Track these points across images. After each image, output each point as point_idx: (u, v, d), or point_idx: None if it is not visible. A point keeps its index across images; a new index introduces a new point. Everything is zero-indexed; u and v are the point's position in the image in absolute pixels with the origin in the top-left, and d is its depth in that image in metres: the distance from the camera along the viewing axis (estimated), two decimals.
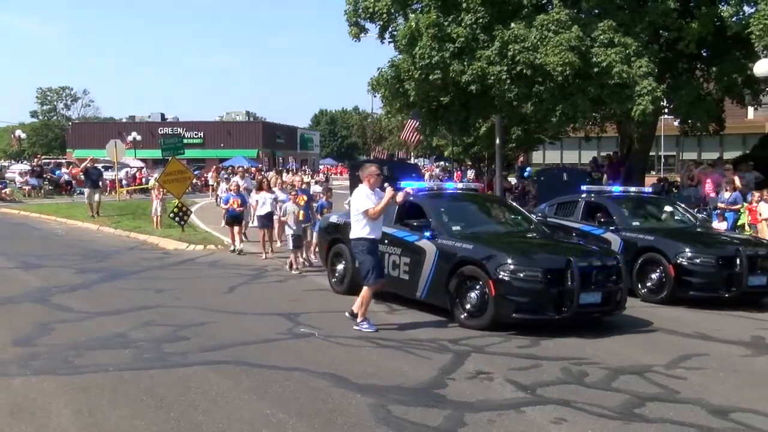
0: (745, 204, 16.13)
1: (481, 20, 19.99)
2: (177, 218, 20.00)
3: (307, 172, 41.68)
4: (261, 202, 15.95)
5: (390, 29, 23.01)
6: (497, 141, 26.52)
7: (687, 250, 11.13)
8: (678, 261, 11.04)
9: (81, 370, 7.23)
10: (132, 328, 9.06)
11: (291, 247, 14.11)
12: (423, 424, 5.83)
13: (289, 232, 14.17)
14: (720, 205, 16.61)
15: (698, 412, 6.15)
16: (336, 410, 6.10)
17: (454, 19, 20.42)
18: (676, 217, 13.24)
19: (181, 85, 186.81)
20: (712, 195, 18.13)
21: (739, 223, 16.58)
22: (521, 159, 37.53)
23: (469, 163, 42.63)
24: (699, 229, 12.90)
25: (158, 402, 6.24)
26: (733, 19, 18.77)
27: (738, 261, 10.81)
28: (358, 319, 8.97)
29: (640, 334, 9.01)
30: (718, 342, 8.82)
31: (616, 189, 14.25)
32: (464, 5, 20.15)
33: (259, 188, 16.95)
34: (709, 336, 9.07)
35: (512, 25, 19.63)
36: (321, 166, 78.79)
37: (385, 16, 22.41)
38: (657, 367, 7.50)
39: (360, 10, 22.65)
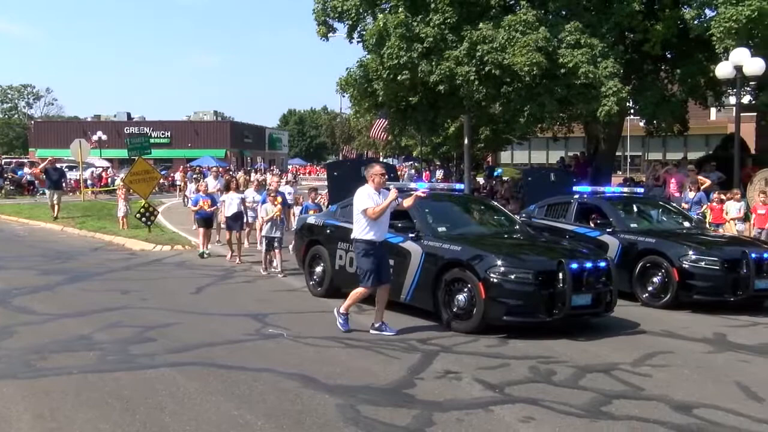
0: (707, 204, 16.39)
1: (449, 20, 20.08)
2: (143, 219, 19.76)
3: (275, 172, 41.43)
4: (228, 203, 15.48)
5: (358, 29, 23.01)
6: (465, 141, 26.65)
7: (691, 252, 10.76)
8: (682, 264, 10.66)
9: (43, 373, 7.10)
10: (97, 330, 8.92)
11: (264, 250, 13.77)
12: (392, 423, 5.82)
13: (272, 233, 13.61)
14: (684, 205, 16.84)
15: (662, 408, 6.22)
16: (305, 411, 6.06)
17: (423, 19, 20.48)
18: (671, 218, 12.99)
19: (148, 85, 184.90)
20: (677, 195, 18.38)
21: None
22: (489, 159, 37.75)
23: (438, 163, 42.79)
24: (698, 231, 12.61)
25: (124, 404, 6.15)
26: (696, 21, 19.10)
27: (745, 264, 10.47)
28: (341, 309, 8.95)
29: (608, 333, 9.07)
30: (683, 340, 8.94)
31: (609, 189, 13.94)
32: (432, 5, 20.22)
33: (227, 188, 16.60)
34: (674, 334, 9.19)
35: (480, 25, 19.74)
36: (290, 166, 78.53)
37: (353, 15, 22.40)
38: (623, 365, 7.57)
39: (328, 10, 22.62)
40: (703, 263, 10.63)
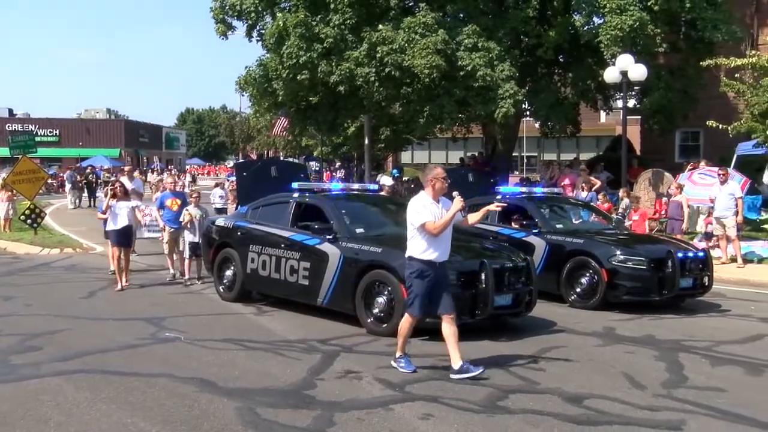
0: (598, 202, 17.09)
1: (349, 21, 20.14)
2: (29, 221, 18.81)
3: (173, 173, 40.34)
4: (116, 213, 12.31)
5: (258, 28, 22.78)
6: (366, 141, 26.80)
7: (619, 252, 10.74)
8: (611, 265, 10.63)
9: None
10: None
11: (187, 256, 12.83)
12: (292, 425, 5.76)
13: (188, 239, 12.74)
14: None
15: (555, 400, 6.42)
16: (202, 416, 5.91)
17: (323, 19, 20.45)
18: (592, 219, 13.01)
19: (33, 80, 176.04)
20: (570, 194, 19.07)
21: None
22: (390, 159, 38.08)
23: (339, 163, 42.81)
24: (620, 231, 12.67)
25: (1, 419, 5.78)
26: (585, 28, 19.91)
27: (670, 263, 10.51)
28: (397, 354, 7.36)
29: (505, 329, 9.27)
30: (576, 334, 9.25)
31: (537, 190, 13.87)
32: (332, 6, 20.22)
33: (113, 195, 12.60)
34: (568, 329, 9.48)
35: (380, 27, 19.89)
36: (188, 166, 76.68)
37: (252, 14, 22.15)
38: (520, 360, 7.76)
39: (227, 8, 22.27)
40: (630, 263, 10.63)
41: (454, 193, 7.31)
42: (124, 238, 12.39)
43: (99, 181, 34.60)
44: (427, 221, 7.04)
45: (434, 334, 8.65)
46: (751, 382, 7.19)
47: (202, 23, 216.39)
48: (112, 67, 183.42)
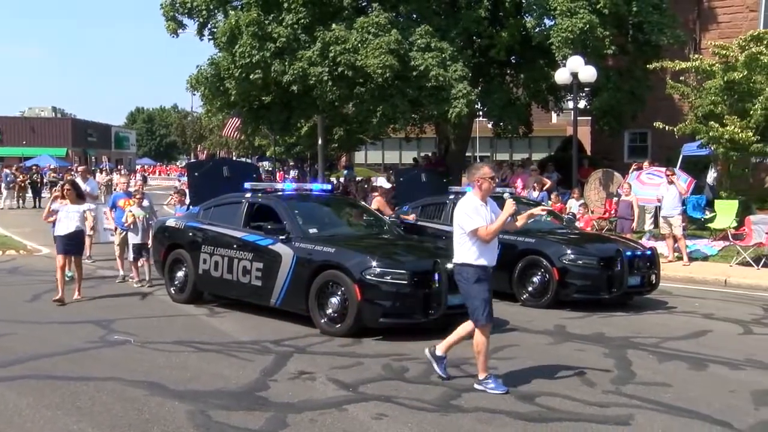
0: (550, 202, 17.34)
1: (302, 20, 20.07)
2: None
3: (123, 172, 39.61)
4: (64, 217, 11.13)
5: (209, 26, 22.54)
6: (319, 141, 26.73)
7: (569, 252, 10.88)
8: (561, 263, 10.77)
9: None
10: None
11: (131, 258, 12.57)
12: (245, 427, 5.70)
13: (132, 240, 12.46)
14: None
15: (508, 398, 6.48)
16: (152, 420, 5.81)
17: (275, 18, 20.34)
18: (543, 218, 12.92)
19: None
20: (522, 194, 19.30)
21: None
22: (344, 159, 38.04)
23: (292, 162, 42.60)
24: (571, 230, 12.80)
25: None
26: (536, 30, 20.17)
27: (618, 262, 10.69)
28: (480, 376, 6.76)
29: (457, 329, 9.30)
30: (528, 333, 9.36)
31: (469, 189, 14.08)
32: (285, 5, 20.12)
33: (61, 197, 11.46)
34: (520, 327, 9.57)
35: (333, 26, 19.87)
36: (138, 166, 75.39)
37: (203, 12, 21.92)
38: (473, 360, 7.75)
39: (177, 5, 21.97)
40: (581, 262, 10.78)
41: (506, 196, 7.14)
42: (73, 245, 11.07)
43: (44, 180, 33.82)
44: (480, 227, 6.64)
45: (387, 334, 8.69)
46: (694, 376, 7.37)
47: (152, 20, 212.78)
48: (58, 65, 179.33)
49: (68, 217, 11.08)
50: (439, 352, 7.03)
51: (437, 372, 7.00)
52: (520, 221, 7.03)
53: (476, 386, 6.74)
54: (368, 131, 27.13)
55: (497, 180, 6.92)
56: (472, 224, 6.65)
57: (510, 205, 6.74)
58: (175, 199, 14.45)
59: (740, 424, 5.92)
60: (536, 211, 7.56)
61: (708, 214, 17.80)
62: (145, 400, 6.26)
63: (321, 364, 7.57)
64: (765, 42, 16.26)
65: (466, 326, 6.92)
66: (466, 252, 6.75)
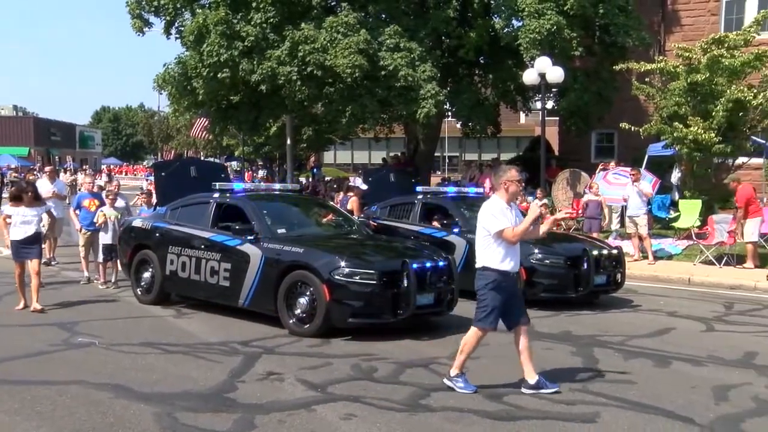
0: (516, 201, 17.49)
1: (271, 20, 19.98)
2: None
3: (88, 172, 39.05)
4: (20, 221, 10.32)
5: (176, 24, 22.32)
6: (288, 141, 26.63)
7: (536, 251, 10.86)
8: (530, 263, 10.68)
9: None
10: None
11: (101, 259, 12.31)
12: (212, 429, 5.66)
13: (102, 240, 12.22)
14: None
15: (476, 397, 6.52)
16: (117, 423, 5.74)
17: (244, 17, 20.21)
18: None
19: None
20: (491, 194, 19.43)
21: None
22: (313, 159, 37.95)
23: (260, 162, 42.40)
24: None
25: None
26: (505, 31, 20.32)
27: (585, 261, 10.76)
28: (451, 372, 6.78)
29: (427, 328, 9.36)
30: (496, 331, 9.37)
31: (451, 189, 13.96)
32: (254, 4, 20.03)
33: (17, 199, 10.53)
34: None
35: (302, 25, 19.81)
36: (103, 166, 74.37)
37: (170, 10, 21.70)
38: (441, 359, 7.83)
39: (144, 3, 21.73)
40: (548, 261, 10.84)
41: (533, 199, 6.78)
42: (28, 250, 10.30)
43: (5, 180, 33.19)
44: (506, 228, 6.52)
45: (356, 334, 8.69)
46: (658, 373, 7.48)
47: (118, 18, 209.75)
48: (19, 63, 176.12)
49: (24, 221, 10.35)
50: (531, 380, 6.68)
51: (549, 391, 6.55)
52: (544, 227, 6.93)
53: (445, 381, 6.72)
54: (337, 131, 27.09)
55: (523, 183, 6.82)
56: (498, 225, 6.55)
57: (535, 208, 6.75)
58: (142, 200, 14.14)
59: (701, 419, 6.03)
60: (560, 216, 7.76)
61: (672, 214, 18.09)
62: (110, 403, 6.18)
63: (289, 364, 7.54)
64: (726, 45, 16.55)
65: (516, 340, 6.76)
66: (489, 255, 6.62)
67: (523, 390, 6.64)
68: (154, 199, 13.77)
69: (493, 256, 6.59)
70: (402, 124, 25.83)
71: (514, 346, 8.43)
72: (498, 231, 6.53)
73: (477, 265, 6.72)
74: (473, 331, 6.72)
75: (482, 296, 6.65)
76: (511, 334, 9.08)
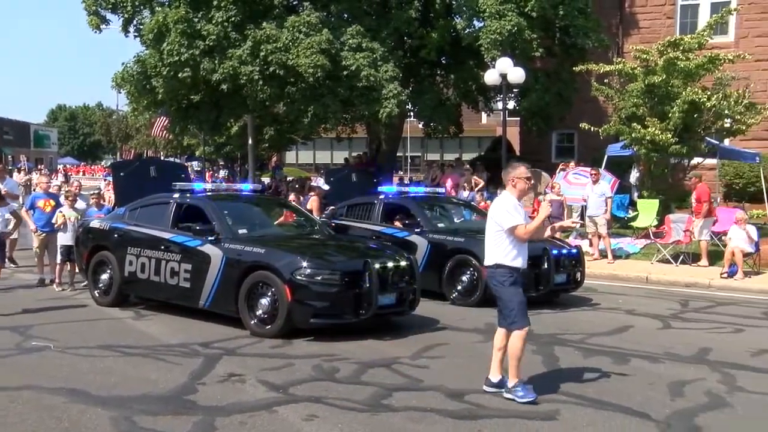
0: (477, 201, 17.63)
1: (232, 18, 19.83)
2: None
3: (43, 172, 38.30)
4: None
5: (135, 22, 22.01)
6: (250, 141, 26.46)
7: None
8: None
9: None
10: None
11: (59, 260, 12.04)
12: None
13: (61, 241, 11.99)
14: None
15: (438, 397, 6.53)
16: (72, 428, 5.62)
17: (205, 15, 20.02)
18: (473, 218, 13.09)
19: None
20: (452, 193, 19.51)
21: None
22: (275, 159, 37.74)
23: (222, 162, 42.04)
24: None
25: None
26: (466, 31, 20.45)
27: (545, 260, 10.78)
28: (511, 383, 6.46)
29: (389, 328, 9.35)
30: (458, 331, 9.45)
31: (413, 189, 13.96)
32: (215, 2, 19.85)
33: None
34: (451, 326, 9.65)
35: (264, 25, 19.70)
36: (59, 166, 72.99)
37: (129, 8, 21.39)
38: (403, 359, 7.84)
39: (101, 0, 21.36)
40: None
41: (542, 199, 6.75)
42: None
43: None
44: (519, 224, 6.43)
45: (318, 334, 8.65)
46: (617, 370, 7.57)
47: (74, 14, 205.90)
48: None
49: None
50: (494, 378, 6.65)
51: (517, 398, 6.39)
52: (549, 231, 7.01)
53: (505, 395, 6.45)
54: (299, 131, 26.99)
55: (532, 181, 6.77)
56: (512, 221, 6.45)
57: (546, 207, 6.75)
58: (93, 200, 13.60)
59: (657, 414, 6.13)
60: (566, 223, 8.10)
61: (631, 213, 18.38)
62: (65, 408, 6.05)
63: (251, 366, 7.48)
64: (681, 48, 16.87)
65: (499, 337, 6.62)
66: (501, 252, 6.53)
67: (485, 387, 6.65)
68: (105, 200, 13.47)
69: (505, 252, 6.53)
70: (364, 124, 25.83)
71: (479, 346, 8.52)
72: (512, 227, 6.44)
73: (488, 263, 6.63)
74: (516, 335, 6.46)
75: (504, 295, 6.52)
76: (478, 334, 9.22)
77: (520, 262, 6.54)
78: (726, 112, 16.70)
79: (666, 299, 12.01)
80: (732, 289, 12.91)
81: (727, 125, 17.26)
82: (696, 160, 18.15)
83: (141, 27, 21.64)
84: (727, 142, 20.17)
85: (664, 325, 10.02)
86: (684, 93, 16.22)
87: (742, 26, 23.43)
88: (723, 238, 14.95)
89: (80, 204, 12.60)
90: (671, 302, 11.68)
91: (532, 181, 6.78)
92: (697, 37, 17.34)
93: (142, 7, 21.76)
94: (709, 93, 16.57)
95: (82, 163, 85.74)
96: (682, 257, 15.03)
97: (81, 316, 10.04)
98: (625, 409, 6.24)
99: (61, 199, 13.25)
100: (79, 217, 12.20)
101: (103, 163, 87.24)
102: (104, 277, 10.73)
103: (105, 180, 26.46)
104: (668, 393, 6.77)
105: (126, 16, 21.70)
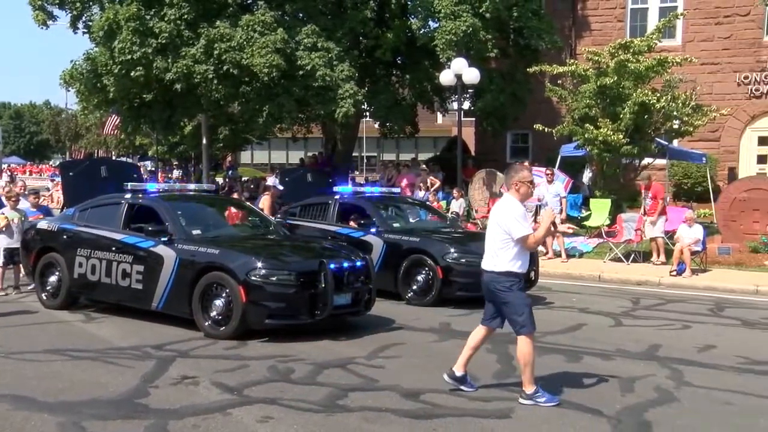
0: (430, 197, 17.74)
1: (186, 16, 19.58)
2: None
3: None
4: None
5: (84, 19, 21.56)
6: (204, 141, 26.14)
7: (453, 250, 10.95)
8: (445, 262, 10.81)
9: None
10: None
11: (1, 264, 11.68)
12: None
13: (3, 244, 11.63)
14: None
15: (393, 396, 6.53)
16: None
17: (157, 13, 19.71)
18: (429, 218, 13.14)
19: None
20: (408, 193, 19.56)
21: None
22: (229, 159, 37.36)
23: (176, 162, 41.47)
24: (455, 229, 13.02)
25: None
26: (421, 31, 20.53)
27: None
28: (528, 390, 6.39)
29: (345, 329, 9.33)
30: (414, 331, 9.47)
31: (369, 189, 13.94)
32: (168, 0, 19.52)
33: None
34: (406, 326, 9.67)
35: (218, 23, 19.49)
36: (4, 165, 71.14)
37: (77, 4, 20.93)
38: (359, 359, 7.82)
39: None
40: (464, 260, 10.78)
41: (546, 205, 6.66)
42: None
43: None
44: (530, 234, 6.35)
45: (273, 335, 8.58)
46: (570, 368, 7.68)
47: (18, 7, 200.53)
48: None
49: None
50: (458, 372, 6.68)
51: (467, 390, 6.61)
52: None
53: (522, 401, 6.36)
54: (254, 131, 26.72)
55: (535, 185, 6.84)
56: (523, 231, 6.34)
57: (550, 213, 6.77)
58: (30, 201, 12.96)
59: (609, 410, 6.23)
60: (562, 228, 8.58)
61: (584, 213, 18.66)
62: (8, 416, 5.88)
63: (205, 368, 7.38)
64: (631, 50, 17.19)
65: (477, 336, 6.72)
66: (509, 260, 6.42)
67: (445, 377, 6.68)
68: (54, 200, 13.10)
69: (512, 259, 6.44)
70: (320, 123, 25.75)
71: (434, 345, 8.54)
72: (522, 237, 6.34)
73: (497, 269, 6.47)
74: (524, 341, 6.42)
75: (514, 299, 6.44)
76: (433, 334, 9.24)
77: (523, 268, 6.52)
78: (675, 113, 17.09)
79: (618, 297, 12.22)
80: (680, 286, 13.20)
81: (676, 126, 17.65)
82: (646, 161, 18.52)
83: (90, 23, 21.21)
84: (675, 142, 20.66)
85: (616, 322, 10.19)
86: (635, 94, 16.53)
87: (688, 30, 24.00)
88: (673, 237, 15.28)
89: (24, 204, 12.27)
90: (623, 300, 11.89)
91: (533, 185, 6.84)
92: (647, 40, 17.69)
93: (91, 3, 21.33)
94: (658, 95, 16.92)
95: (29, 163, 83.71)
96: (633, 256, 15.31)
97: (27, 320, 9.78)
98: (577, 406, 6.33)
99: (3, 199, 12.84)
100: (23, 219, 11.88)
101: (51, 162, 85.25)
102: (52, 279, 10.47)
103: (53, 180, 25.85)
104: (619, 389, 6.88)
105: (75, 12, 21.25)
